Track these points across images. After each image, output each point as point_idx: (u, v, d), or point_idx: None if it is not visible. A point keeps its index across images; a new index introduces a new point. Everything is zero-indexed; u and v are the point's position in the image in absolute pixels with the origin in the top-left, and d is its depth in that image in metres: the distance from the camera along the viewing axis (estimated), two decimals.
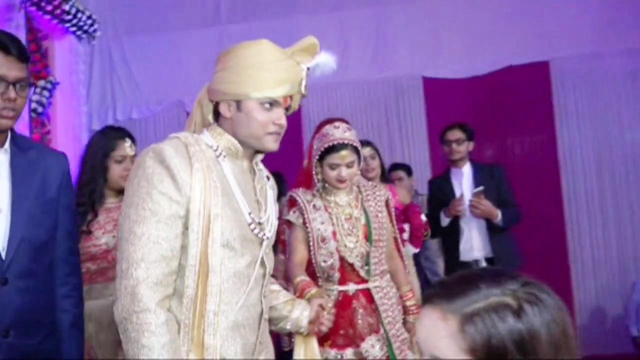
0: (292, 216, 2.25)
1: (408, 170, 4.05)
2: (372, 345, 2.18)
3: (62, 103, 4.20)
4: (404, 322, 2.31)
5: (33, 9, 3.82)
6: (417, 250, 3.06)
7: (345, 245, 2.20)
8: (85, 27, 4.41)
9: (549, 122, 4.75)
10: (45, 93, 3.98)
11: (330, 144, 2.15)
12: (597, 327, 4.57)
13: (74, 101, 4.41)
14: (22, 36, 3.67)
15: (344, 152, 2.15)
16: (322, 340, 2.11)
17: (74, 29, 4.33)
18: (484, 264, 3.28)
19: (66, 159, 1.66)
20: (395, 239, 2.43)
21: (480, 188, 3.25)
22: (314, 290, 1.84)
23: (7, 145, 1.54)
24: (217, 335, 1.33)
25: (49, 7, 3.89)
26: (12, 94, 1.45)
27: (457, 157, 3.45)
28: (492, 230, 3.30)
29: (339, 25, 5.04)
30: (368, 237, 2.23)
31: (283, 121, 1.42)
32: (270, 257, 1.51)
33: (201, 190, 1.31)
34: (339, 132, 2.18)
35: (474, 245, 3.33)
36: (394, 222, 2.42)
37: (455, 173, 3.50)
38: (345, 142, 2.15)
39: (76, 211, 1.75)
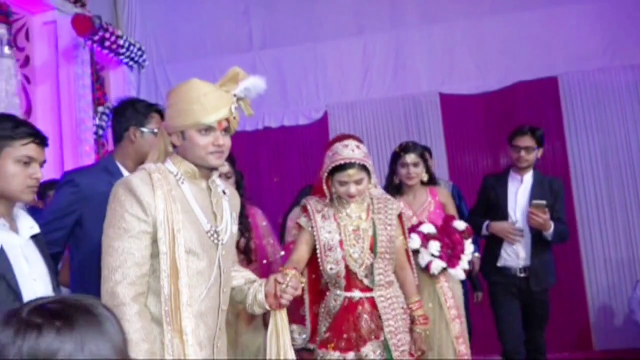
0: (303, 220, 2.36)
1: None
2: (372, 351, 2.23)
3: None
4: (411, 332, 2.35)
5: (94, 45, 4.36)
6: (463, 274, 2.87)
7: (350, 255, 2.26)
8: (136, 58, 4.96)
9: (559, 133, 5.00)
10: (104, 117, 4.50)
11: (338, 163, 2.22)
12: (608, 322, 4.78)
13: None
14: (87, 70, 4.21)
15: (351, 171, 2.22)
16: (326, 342, 2.26)
17: (126, 60, 4.87)
18: (521, 273, 3.21)
19: None
20: (407, 251, 2.48)
21: (543, 202, 3.10)
22: (287, 270, 1.86)
23: None
24: (191, 321, 1.59)
25: (107, 43, 4.42)
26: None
27: (524, 166, 3.26)
28: (536, 243, 3.20)
29: (361, 48, 5.40)
30: (373, 249, 2.27)
31: (221, 141, 1.65)
32: (227, 258, 1.74)
33: (163, 210, 1.59)
34: (346, 151, 2.24)
35: (519, 254, 3.22)
36: (406, 234, 2.48)
37: (514, 178, 3.32)
38: (352, 161, 2.21)
39: None
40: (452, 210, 3.04)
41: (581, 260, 4.84)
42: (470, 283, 3.79)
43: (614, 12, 4.94)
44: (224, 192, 1.78)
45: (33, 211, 2.10)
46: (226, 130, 1.67)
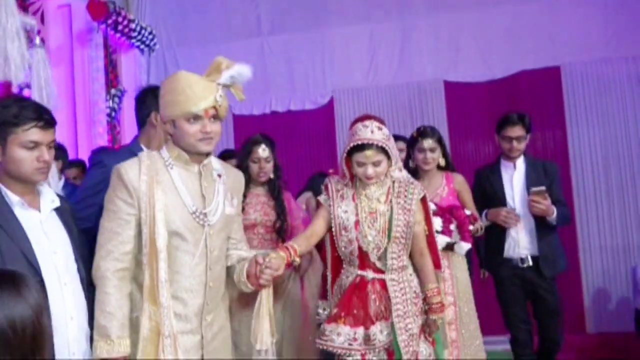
0: (322, 197, 2.37)
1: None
2: (380, 331, 2.23)
3: (128, 108, 4.84)
4: (426, 319, 2.32)
5: (108, 29, 4.47)
6: (469, 246, 2.88)
7: (365, 236, 2.25)
8: (147, 42, 5.07)
9: (560, 121, 5.10)
10: (116, 100, 4.64)
11: (356, 143, 2.21)
12: (602, 307, 4.93)
13: None
14: (100, 53, 4.33)
15: (369, 152, 2.20)
16: (336, 317, 2.26)
17: (137, 43, 4.98)
18: (530, 262, 3.15)
19: None
20: (430, 236, 2.40)
21: (542, 188, 3.06)
22: (274, 253, 1.93)
23: None
24: (167, 296, 1.73)
25: (120, 27, 4.53)
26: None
27: (516, 155, 3.22)
28: (541, 229, 3.14)
29: (368, 36, 5.49)
30: (388, 232, 2.26)
31: (208, 129, 1.76)
32: (216, 238, 1.85)
33: (146, 194, 1.74)
34: (366, 132, 2.22)
35: (520, 243, 3.16)
36: (431, 219, 2.42)
37: (506, 166, 3.27)
38: (371, 142, 2.20)
39: None
40: (467, 197, 3.03)
41: (578, 247, 4.97)
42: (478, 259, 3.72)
43: (618, 3, 4.99)
44: (219, 176, 1.88)
45: (73, 189, 2.23)
46: (215, 117, 1.77)
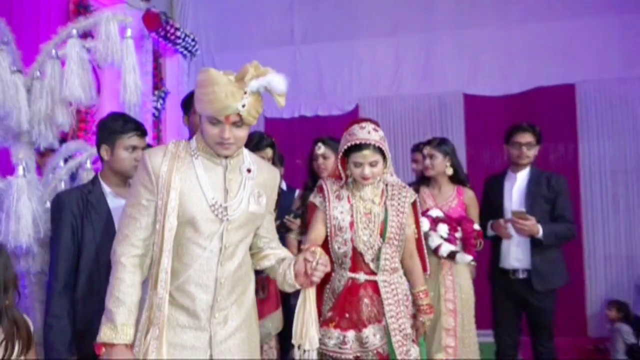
0: (317, 200, 2.36)
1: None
2: (373, 334, 2.23)
3: (171, 109, 5.29)
4: (415, 320, 2.36)
5: (156, 36, 4.91)
6: (471, 258, 2.92)
7: (360, 237, 2.25)
8: (190, 48, 5.50)
9: (572, 136, 5.35)
10: (160, 101, 5.08)
11: (353, 143, 2.21)
12: (604, 314, 5.00)
13: (180, 107, 5.49)
14: (149, 58, 4.77)
15: (366, 152, 2.20)
16: (328, 321, 2.25)
17: (181, 49, 5.42)
18: (521, 275, 3.15)
19: None
20: (419, 240, 2.44)
21: (522, 210, 3.04)
22: (313, 247, 1.82)
23: None
24: (166, 287, 1.67)
25: (168, 35, 4.97)
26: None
27: (525, 162, 3.20)
28: (537, 243, 3.09)
29: (394, 48, 5.81)
30: (383, 234, 2.26)
31: (226, 135, 1.67)
32: (234, 234, 1.75)
33: (166, 180, 1.69)
34: (363, 133, 2.22)
35: (511, 254, 3.18)
36: (420, 223, 2.45)
37: (510, 177, 3.28)
38: (368, 142, 2.19)
39: None
40: (474, 213, 3.10)
41: (583, 255, 5.22)
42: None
43: (632, 25, 5.22)
44: (248, 170, 1.80)
45: None
46: (236, 123, 1.68)
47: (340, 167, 2.30)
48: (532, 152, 3.20)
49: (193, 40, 5.47)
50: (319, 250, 1.79)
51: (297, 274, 1.78)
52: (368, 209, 2.28)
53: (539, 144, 3.23)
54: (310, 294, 1.79)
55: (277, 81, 1.64)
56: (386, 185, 2.35)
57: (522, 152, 3.18)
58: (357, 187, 2.31)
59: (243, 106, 1.64)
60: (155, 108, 4.97)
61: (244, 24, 6.15)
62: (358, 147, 2.21)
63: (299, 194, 3.15)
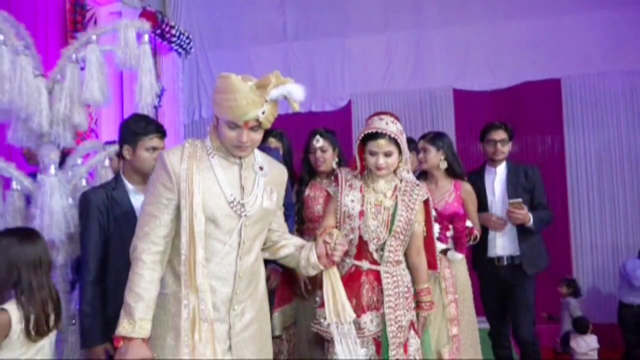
0: (332, 189, 2.44)
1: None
2: (370, 320, 2.27)
3: (167, 106, 5.36)
4: (417, 315, 2.39)
5: (152, 35, 4.96)
6: (462, 256, 3.00)
7: (368, 226, 2.28)
8: (184, 45, 5.56)
9: (558, 129, 5.56)
10: (157, 98, 5.13)
11: (369, 131, 2.26)
12: (592, 301, 5.37)
13: (175, 103, 5.58)
14: None
15: (382, 141, 2.24)
16: None
17: (176, 47, 5.48)
18: (505, 261, 3.30)
19: None
20: (429, 238, 2.46)
21: (519, 200, 3.19)
22: (329, 229, 1.98)
23: None
24: (204, 281, 1.75)
25: (164, 33, 5.03)
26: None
27: (501, 158, 3.36)
28: (523, 231, 3.25)
29: (385, 44, 5.95)
30: (389, 226, 2.30)
31: (244, 139, 1.76)
32: (251, 229, 1.84)
33: (186, 180, 1.76)
34: (381, 123, 2.27)
35: (497, 244, 3.31)
36: (432, 222, 2.47)
37: (489, 171, 3.41)
38: (384, 132, 2.24)
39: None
40: (471, 207, 3.13)
41: (570, 244, 5.44)
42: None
43: (616, 21, 5.42)
44: (260, 169, 1.90)
45: None
46: (254, 128, 1.77)
47: (357, 155, 2.35)
48: (506, 148, 3.37)
49: (187, 38, 5.53)
50: (336, 231, 1.97)
51: (319, 256, 1.96)
52: (379, 201, 2.32)
53: (511, 139, 3.42)
54: (334, 273, 1.99)
55: (296, 90, 1.75)
56: (400, 181, 2.39)
57: (497, 149, 3.34)
58: (372, 179, 2.36)
59: (263, 113, 1.73)
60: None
61: (237, 22, 6.23)
62: (374, 136, 2.26)
63: (294, 189, 3.16)
